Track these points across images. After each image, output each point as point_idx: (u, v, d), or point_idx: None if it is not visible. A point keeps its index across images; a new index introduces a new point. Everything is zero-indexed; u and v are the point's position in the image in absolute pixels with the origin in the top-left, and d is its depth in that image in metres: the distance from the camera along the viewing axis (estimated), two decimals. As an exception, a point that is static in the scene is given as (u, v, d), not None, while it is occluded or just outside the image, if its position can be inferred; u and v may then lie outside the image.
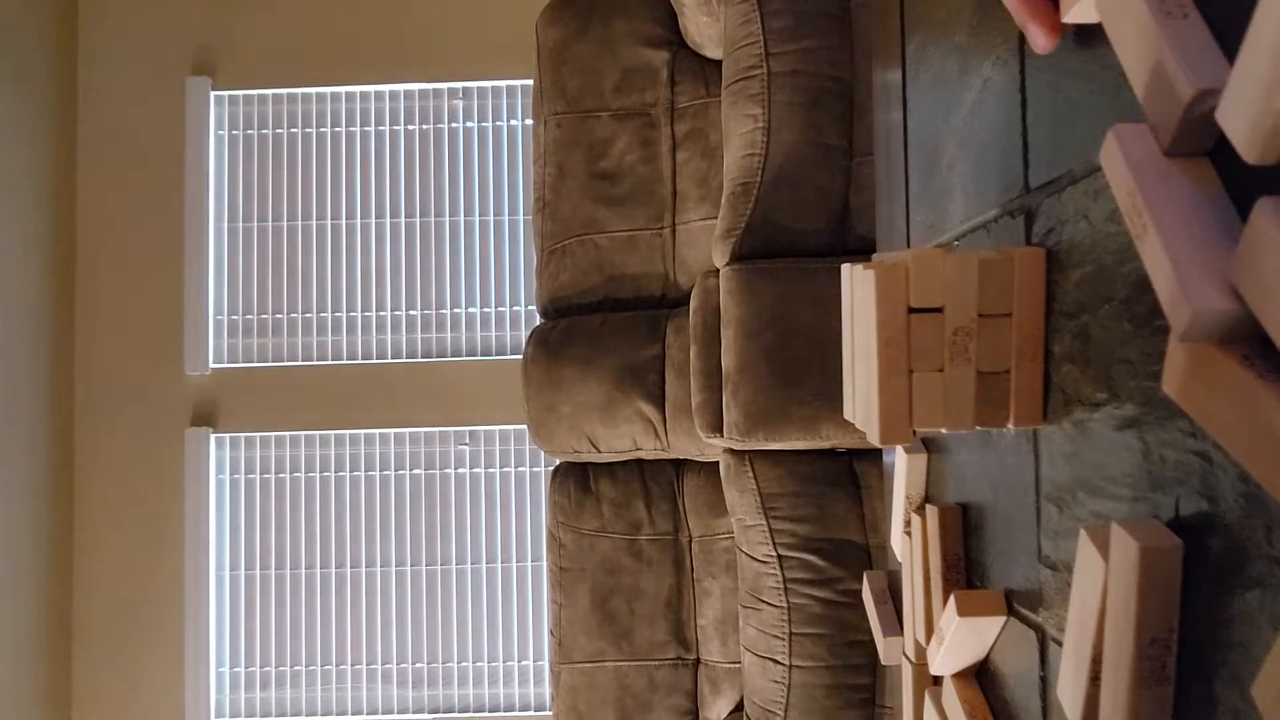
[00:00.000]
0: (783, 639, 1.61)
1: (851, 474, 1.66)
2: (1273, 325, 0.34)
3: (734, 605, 1.86)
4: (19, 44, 2.77)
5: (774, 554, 1.63)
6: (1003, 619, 0.67)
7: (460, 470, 2.95)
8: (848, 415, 0.72)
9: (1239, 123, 0.34)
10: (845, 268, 0.70)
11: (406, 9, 2.97)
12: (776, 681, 1.62)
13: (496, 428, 2.94)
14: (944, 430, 0.60)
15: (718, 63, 2.03)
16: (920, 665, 0.83)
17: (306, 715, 2.91)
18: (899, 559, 0.91)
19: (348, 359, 2.96)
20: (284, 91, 2.99)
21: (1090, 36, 0.53)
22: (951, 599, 0.68)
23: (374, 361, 2.95)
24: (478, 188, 2.98)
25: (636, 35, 2.05)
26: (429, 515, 2.94)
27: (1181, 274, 0.36)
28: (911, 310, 0.59)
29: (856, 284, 0.65)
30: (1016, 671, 0.65)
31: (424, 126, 2.99)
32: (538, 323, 2.10)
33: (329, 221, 2.98)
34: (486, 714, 2.89)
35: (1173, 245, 0.37)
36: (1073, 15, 0.50)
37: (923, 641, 0.80)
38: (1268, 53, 0.32)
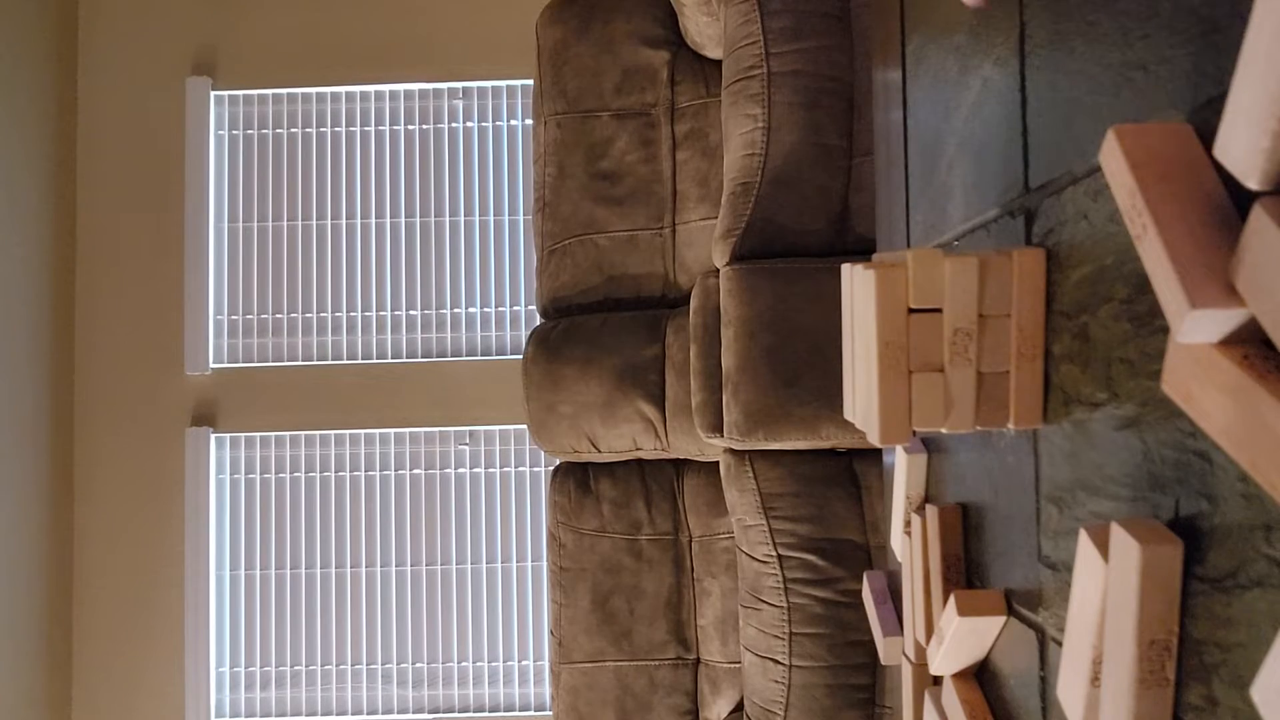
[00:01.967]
0: (783, 639, 1.61)
1: (851, 474, 1.66)
2: (1271, 325, 0.34)
3: (734, 605, 1.86)
4: (19, 43, 2.77)
5: (774, 554, 1.63)
6: (1003, 619, 0.67)
7: (460, 470, 2.95)
8: (848, 415, 0.72)
9: (1237, 156, 0.35)
10: (845, 268, 0.70)
11: (406, 9, 2.97)
12: (776, 681, 1.62)
13: (496, 428, 2.94)
14: (944, 430, 0.60)
15: (718, 63, 2.03)
16: (920, 665, 0.83)
17: (306, 715, 2.91)
18: (899, 559, 0.91)
19: (348, 359, 2.96)
20: (284, 91, 2.99)
21: (1090, 35, 0.53)
22: (951, 599, 0.68)
23: (374, 361, 2.95)
24: (478, 188, 2.98)
25: (636, 35, 2.05)
26: (429, 515, 2.94)
27: (1181, 274, 0.36)
28: (911, 310, 0.59)
29: (856, 284, 0.65)
30: (1016, 671, 0.65)
31: (424, 126, 2.99)
32: (538, 323, 2.11)
33: (329, 221, 2.98)
34: (486, 714, 2.89)
35: (1173, 245, 0.37)
36: None
37: (923, 641, 0.80)
38: (1260, 85, 0.33)
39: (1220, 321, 0.35)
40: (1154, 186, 0.39)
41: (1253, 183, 0.34)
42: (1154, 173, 0.39)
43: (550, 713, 2.83)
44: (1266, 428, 0.35)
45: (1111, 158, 0.42)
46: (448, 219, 2.98)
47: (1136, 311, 0.47)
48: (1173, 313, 0.37)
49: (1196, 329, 0.36)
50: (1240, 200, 0.38)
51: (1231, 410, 0.37)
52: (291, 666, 2.92)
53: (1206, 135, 0.40)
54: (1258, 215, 0.34)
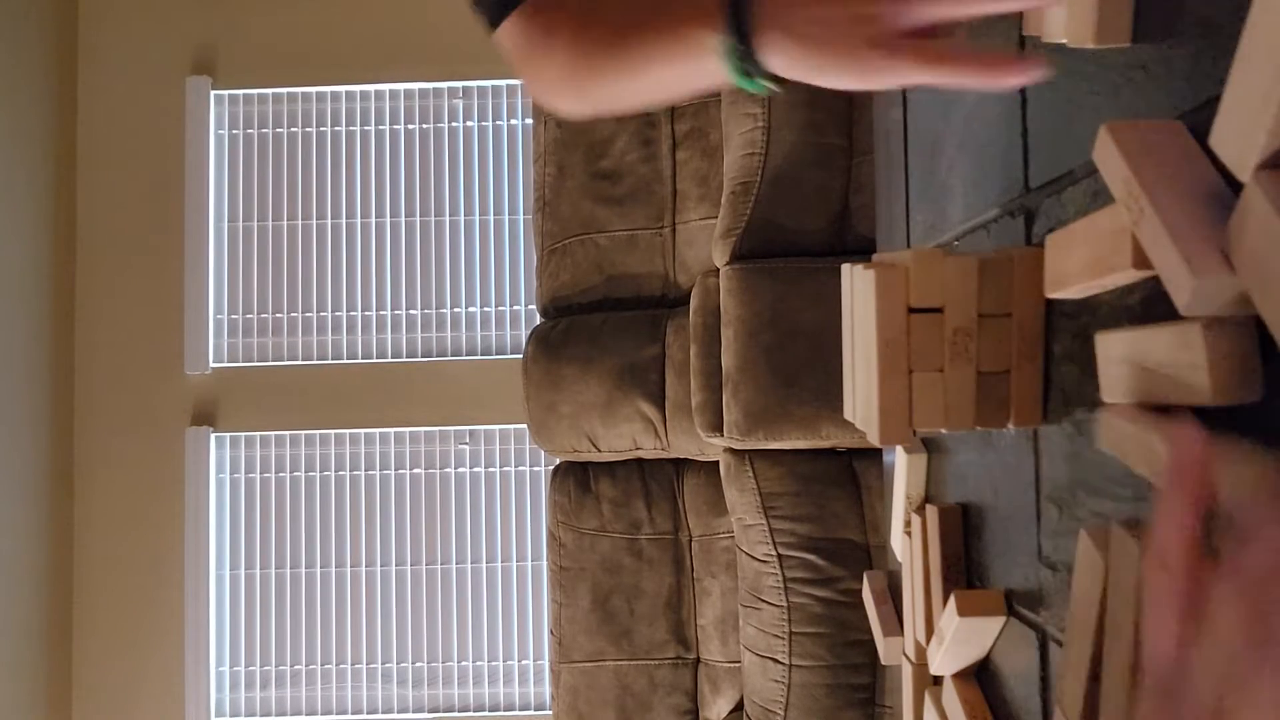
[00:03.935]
0: (783, 638, 1.61)
1: (851, 474, 1.66)
2: (1259, 296, 0.34)
3: (734, 605, 1.86)
4: (19, 44, 2.77)
5: (774, 553, 1.63)
6: (1003, 619, 0.67)
7: (460, 470, 2.95)
8: (848, 415, 0.72)
9: (1231, 150, 0.35)
10: (845, 268, 0.70)
11: (406, 9, 2.96)
12: (776, 681, 1.62)
13: (496, 428, 2.94)
14: (944, 430, 0.60)
15: (718, 62, 2.02)
16: (920, 665, 0.83)
17: (306, 715, 2.91)
18: (899, 559, 0.91)
19: (348, 359, 2.96)
20: (284, 91, 2.99)
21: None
22: (951, 599, 0.68)
23: (374, 361, 2.95)
24: (478, 188, 2.98)
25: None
26: (429, 515, 2.94)
27: (1182, 248, 0.36)
28: (911, 310, 0.59)
29: (856, 284, 0.65)
30: (1016, 671, 0.65)
31: (424, 126, 2.98)
32: (538, 322, 2.11)
33: (329, 221, 2.98)
34: (486, 714, 2.89)
35: (1171, 222, 0.37)
36: (1048, 34, 0.55)
37: (923, 641, 0.80)
38: (1257, 81, 0.33)
39: (1224, 289, 0.36)
40: (1149, 171, 0.39)
41: (1246, 176, 0.34)
42: (1148, 160, 0.40)
43: (550, 712, 2.83)
44: (1105, 231, 0.42)
45: (1105, 152, 0.42)
46: (448, 219, 2.98)
47: (1136, 311, 0.47)
48: (1176, 286, 0.37)
49: (1201, 298, 0.36)
50: (1237, 186, 0.38)
51: (1084, 250, 0.46)
52: (291, 666, 2.92)
53: (1205, 134, 0.40)
54: (1250, 189, 0.34)
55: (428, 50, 2.95)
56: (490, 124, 2.98)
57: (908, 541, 0.84)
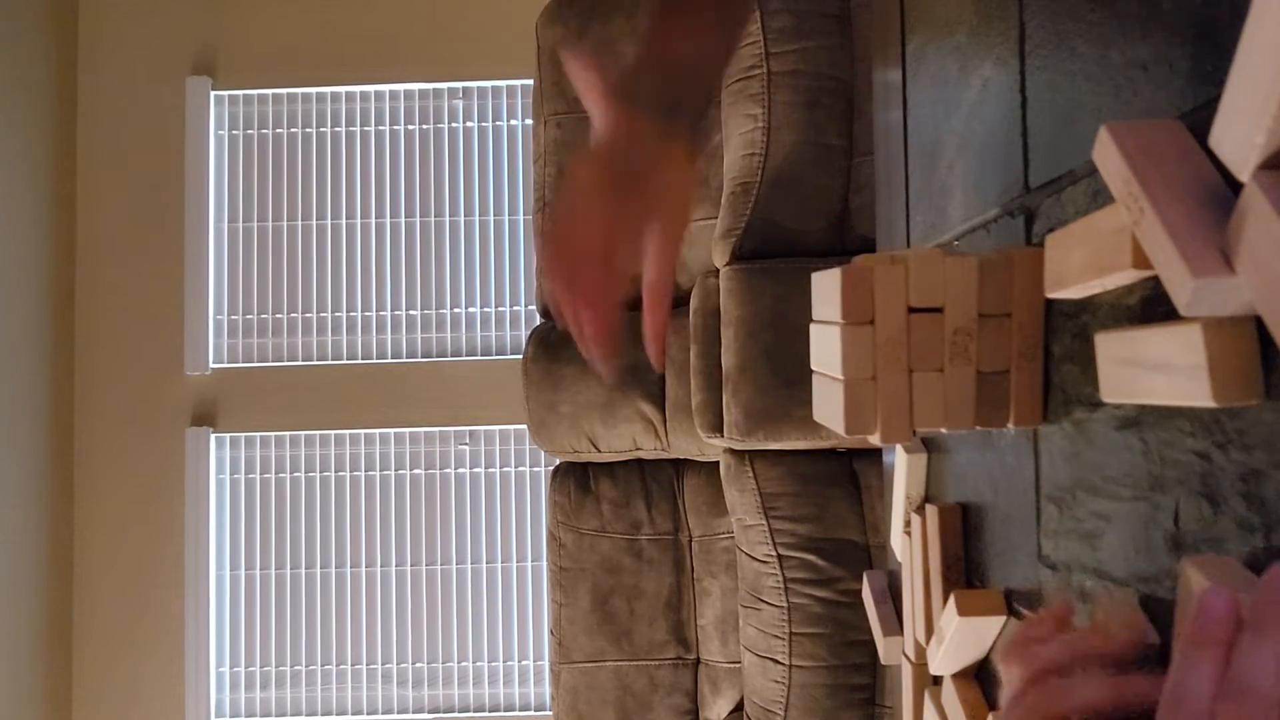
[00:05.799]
0: (783, 639, 1.61)
1: (851, 474, 1.66)
2: (1259, 296, 0.34)
3: (734, 605, 1.86)
4: (19, 43, 2.77)
5: (774, 554, 1.63)
6: (1003, 619, 0.67)
7: (460, 470, 2.95)
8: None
9: (1231, 149, 0.35)
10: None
11: (406, 9, 2.96)
12: (776, 681, 1.62)
13: (496, 428, 2.94)
14: (944, 430, 0.60)
15: (718, 63, 2.02)
16: (920, 665, 0.83)
17: (306, 715, 2.91)
18: (899, 559, 0.91)
19: (348, 359, 2.95)
20: (284, 91, 2.99)
21: (1090, 35, 0.53)
22: (951, 599, 0.68)
23: (374, 361, 2.95)
24: (478, 188, 2.98)
25: (637, 35, 2.05)
26: (429, 515, 2.94)
27: (1182, 248, 0.36)
28: (911, 310, 0.59)
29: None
30: (1016, 671, 0.65)
31: (424, 126, 2.98)
32: (538, 323, 2.11)
33: (329, 221, 2.98)
34: (486, 714, 2.89)
35: (1170, 222, 0.37)
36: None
37: (923, 641, 0.80)
38: (1257, 81, 0.33)
39: (1224, 289, 0.36)
40: (1148, 170, 0.39)
41: (1246, 176, 0.34)
42: (1148, 159, 0.40)
43: (550, 713, 2.83)
44: (1105, 231, 0.43)
45: (1105, 151, 0.42)
46: (448, 219, 2.98)
47: (1135, 311, 0.47)
48: (1176, 287, 0.37)
49: (1201, 299, 0.36)
50: (1236, 186, 0.38)
51: (1084, 250, 0.46)
52: (291, 666, 2.92)
53: (1205, 134, 0.40)
54: (1249, 189, 0.34)
55: (428, 50, 2.95)
56: (490, 124, 2.98)
57: (908, 541, 0.84)
